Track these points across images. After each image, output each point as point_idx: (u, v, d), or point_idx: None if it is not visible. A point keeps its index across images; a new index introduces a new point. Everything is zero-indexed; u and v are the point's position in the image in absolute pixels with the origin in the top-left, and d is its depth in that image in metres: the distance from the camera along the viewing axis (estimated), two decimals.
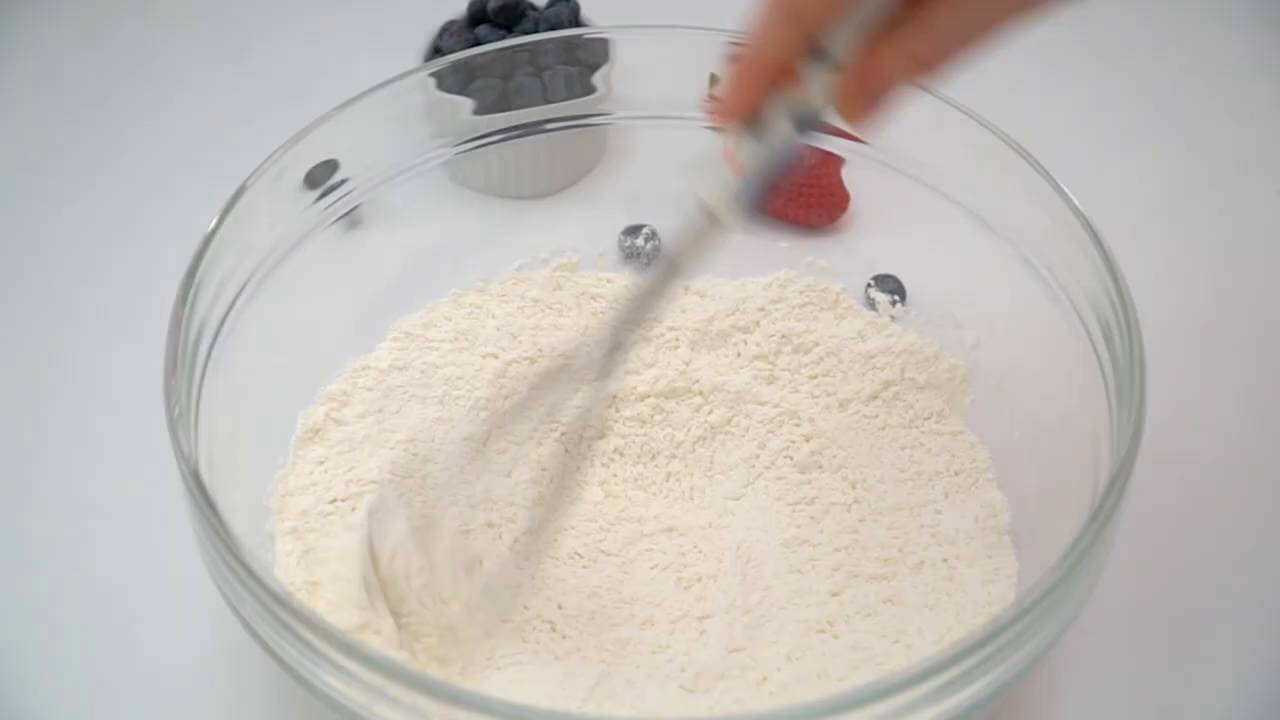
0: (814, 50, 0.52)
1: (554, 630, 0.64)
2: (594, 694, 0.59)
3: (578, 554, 0.66)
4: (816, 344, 0.73)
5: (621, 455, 0.71)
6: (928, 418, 0.71)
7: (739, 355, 0.73)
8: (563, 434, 0.67)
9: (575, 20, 0.86)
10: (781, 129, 0.53)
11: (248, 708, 0.65)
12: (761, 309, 0.74)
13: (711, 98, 0.76)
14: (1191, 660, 0.66)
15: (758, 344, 0.73)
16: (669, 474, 0.71)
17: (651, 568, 0.66)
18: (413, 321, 0.75)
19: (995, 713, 0.57)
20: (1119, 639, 0.66)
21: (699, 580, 0.66)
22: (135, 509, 0.71)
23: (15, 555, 0.70)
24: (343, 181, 0.72)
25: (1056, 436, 0.67)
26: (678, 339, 0.73)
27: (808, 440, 0.70)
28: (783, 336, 0.73)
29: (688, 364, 0.73)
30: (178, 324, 0.62)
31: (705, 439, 0.71)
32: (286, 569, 0.64)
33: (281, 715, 0.64)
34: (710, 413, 0.71)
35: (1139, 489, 0.59)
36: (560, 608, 0.64)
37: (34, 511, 0.72)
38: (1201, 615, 0.68)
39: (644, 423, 0.71)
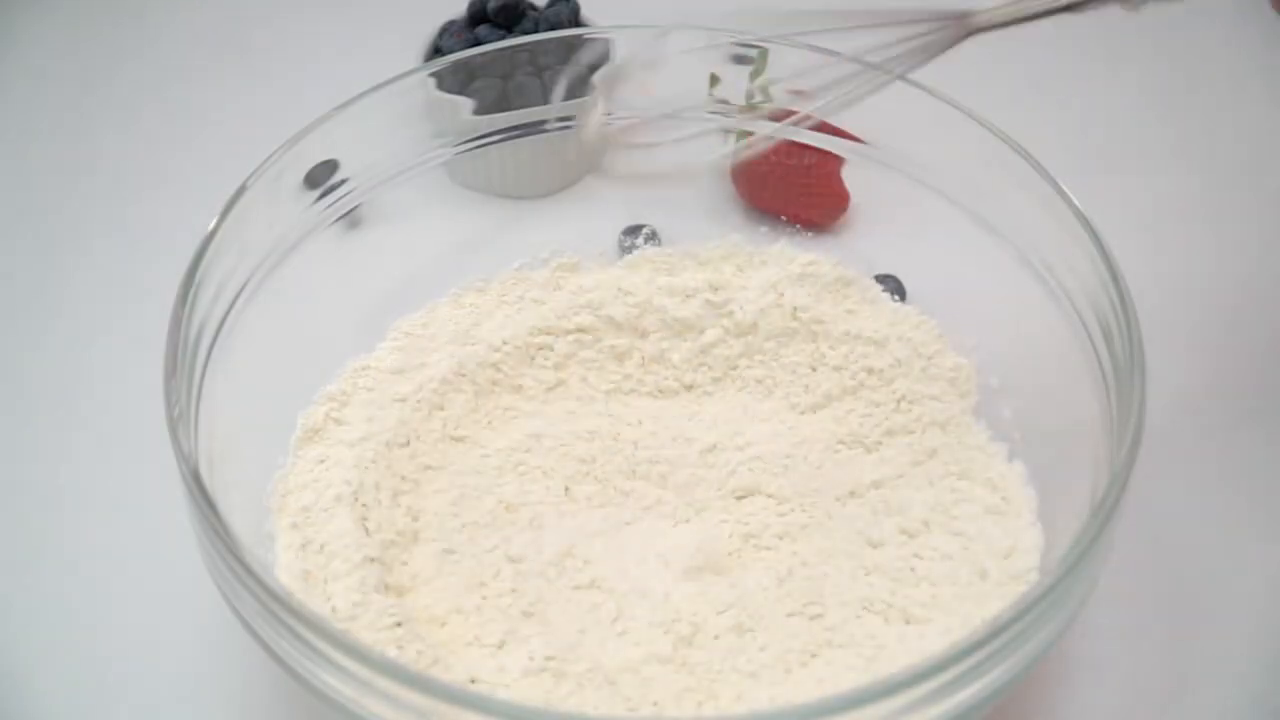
0: None
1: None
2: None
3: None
4: (828, 333, 0.73)
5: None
6: (936, 417, 0.71)
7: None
8: None
9: (575, 20, 0.86)
10: None
11: (248, 708, 0.65)
12: (776, 301, 0.74)
13: (712, 97, 0.77)
14: (1191, 660, 0.66)
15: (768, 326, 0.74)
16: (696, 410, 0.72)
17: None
18: (413, 321, 0.75)
19: (995, 713, 0.57)
20: (1119, 639, 0.66)
21: (729, 554, 0.66)
22: (135, 509, 0.71)
23: (15, 555, 0.70)
24: (343, 181, 0.72)
25: (1056, 436, 0.67)
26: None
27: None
28: (794, 315, 0.74)
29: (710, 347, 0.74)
30: (178, 324, 0.62)
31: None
32: (287, 568, 0.64)
33: (282, 715, 0.65)
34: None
35: (1139, 489, 0.59)
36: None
37: (34, 511, 0.72)
38: (1201, 615, 0.68)
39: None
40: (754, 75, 0.75)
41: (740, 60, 0.75)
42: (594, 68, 0.77)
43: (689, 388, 0.74)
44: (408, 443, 0.70)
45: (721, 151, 0.73)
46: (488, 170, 0.80)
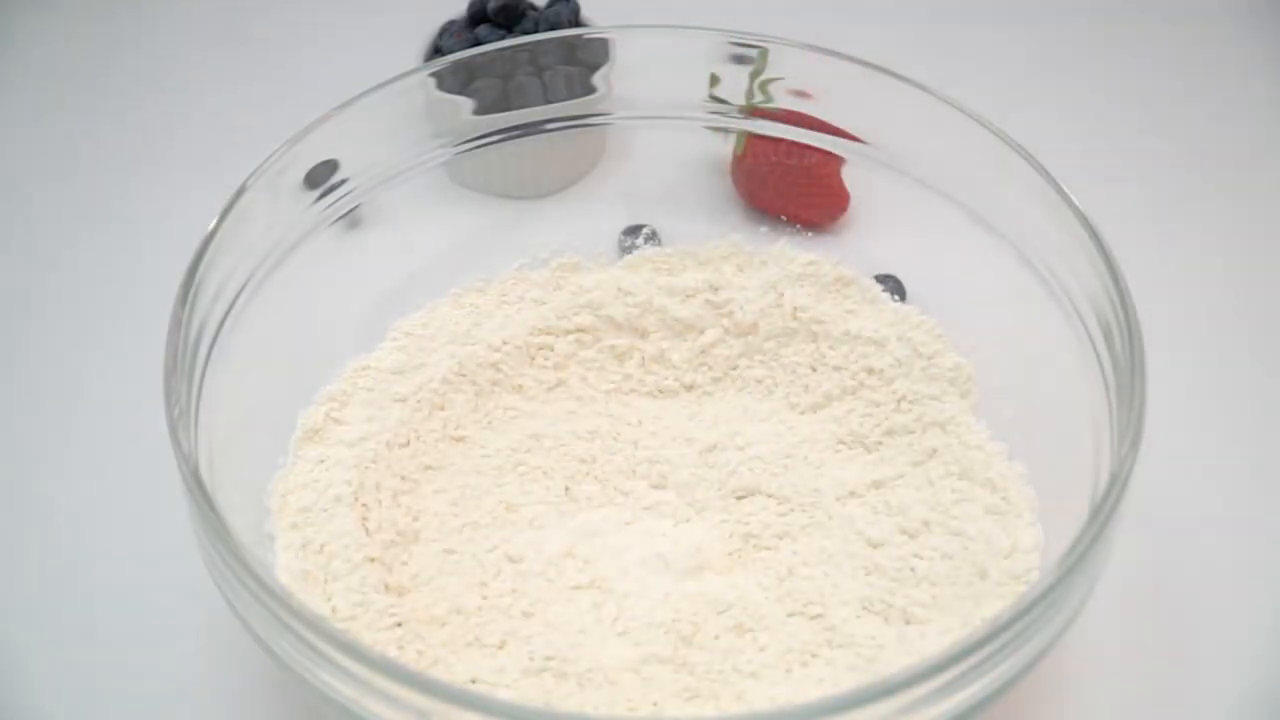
0: None
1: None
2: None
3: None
4: (827, 333, 0.73)
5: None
6: (939, 417, 0.71)
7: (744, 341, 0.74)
8: None
9: (575, 20, 0.86)
10: None
11: (248, 708, 0.65)
12: (776, 301, 0.74)
13: (712, 98, 0.77)
14: (1191, 660, 0.66)
15: (769, 326, 0.74)
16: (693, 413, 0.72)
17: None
18: (413, 321, 0.75)
19: (995, 713, 0.57)
20: (1119, 639, 0.66)
21: (729, 554, 0.66)
22: (135, 509, 0.71)
23: (15, 555, 0.70)
24: (343, 181, 0.72)
25: (1056, 437, 0.67)
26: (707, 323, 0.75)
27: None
28: (794, 315, 0.74)
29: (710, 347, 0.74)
30: (178, 324, 0.62)
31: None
32: (287, 568, 0.64)
33: (282, 714, 0.64)
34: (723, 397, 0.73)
35: (1139, 489, 0.59)
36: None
37: (34, 512, 0.72)
38: (1201, 615, 0.68)
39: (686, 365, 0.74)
40: (754, 75, 0.75)
41: (740, 60, 0.75)
42: (594, 67, 0.77)
43: (689, 388, 0.74)
44: (408, 443, 0.70)
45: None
46: (488, 170, 0.80)
